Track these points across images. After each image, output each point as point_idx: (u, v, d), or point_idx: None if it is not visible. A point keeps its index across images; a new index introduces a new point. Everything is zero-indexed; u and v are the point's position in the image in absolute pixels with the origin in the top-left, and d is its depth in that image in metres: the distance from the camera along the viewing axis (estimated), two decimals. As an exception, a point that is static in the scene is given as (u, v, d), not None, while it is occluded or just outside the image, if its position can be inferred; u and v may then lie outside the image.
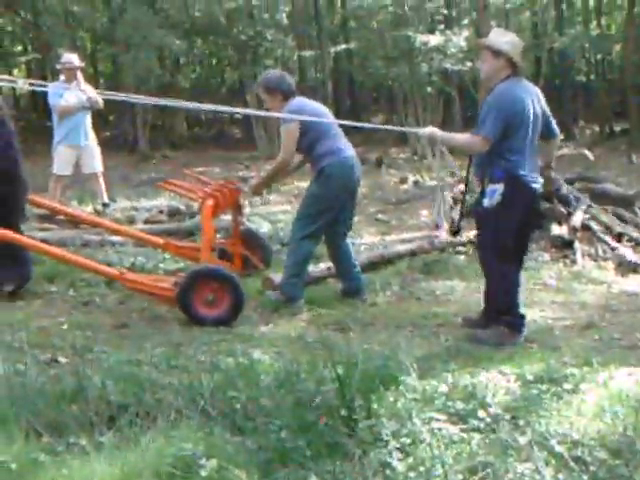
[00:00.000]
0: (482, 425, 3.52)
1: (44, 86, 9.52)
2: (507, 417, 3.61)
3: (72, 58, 9.56)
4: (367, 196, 11.42)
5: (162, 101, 7.80)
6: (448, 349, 5.02)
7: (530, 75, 20.30)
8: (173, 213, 9.50)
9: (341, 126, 6.33)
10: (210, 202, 5.97)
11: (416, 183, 13.06)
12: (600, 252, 7.66)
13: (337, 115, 6.67)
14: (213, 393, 3.77)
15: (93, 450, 3.31)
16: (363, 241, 8.11)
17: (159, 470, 3.15)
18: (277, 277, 6.27)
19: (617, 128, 21.73)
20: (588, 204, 8.63)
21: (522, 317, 5.30)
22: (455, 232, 6.19)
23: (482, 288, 5.63)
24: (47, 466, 3.23)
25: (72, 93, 9.25)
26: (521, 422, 3.58)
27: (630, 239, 8.03)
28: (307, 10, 23.17)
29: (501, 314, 5.27)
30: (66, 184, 10.04)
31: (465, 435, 3.42)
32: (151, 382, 3.94)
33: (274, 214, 9.71)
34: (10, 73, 24.00)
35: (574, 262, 7.47)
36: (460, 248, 7.86)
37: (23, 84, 11.91)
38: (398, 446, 3.27)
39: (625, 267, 7.30)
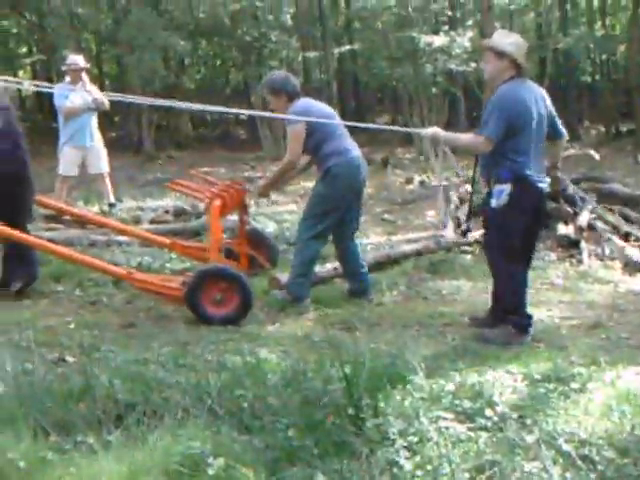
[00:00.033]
0: (489, 424, 3.52)
1: (49, 87, 9.54)
2: (514, 416, 3.60)
3: (77, 59, 9.58)
4: (373, 196, 11.43)
5: (167, 102, 7.81)
6: (455, 348, 5.02)
7: (535, 76, 20.27)
8: (179, 213, 9.51)
9: (346, 126, 6.34)
10: (218, 202, 5.98)
11: (422, 183, 13.06)
12: (607, 252, 7.66)
13: (342, 116, 6.67)
14: (220, 392, 3.77)
15: (101, 449, 3.32)
16: (369, 241, 8.11)
17: (167, 468, 3.15)
18: (283, 277, 6.27)
19: (623, 128, 21.69)
20: (594, 204, 8.63)
21: (529, 317, 5.30)
22: (465, 232, 6.20)
23: (489, 288, 5.63)
24: (55, 464, 3.23)
25: (77, 94, 9.27)
26: (528, 421, 3.57)
27: (637, 239, 8.02)
28: (311, 11, 23.18)
29: (508, 314, 5.26)
30: (72, 185, 10.06)
31: (472, 434, 3.41)
32: (158, 381, 3.94)
33: (280, 214, 9.71)
34: (15, 75, 24.05)
35: (580, 262, 7.47)
36: (466, 248, 7.86)
37: (28, 85, 11.91)
38: (405, 445, 3.27)
39: (632, 267, 7.30)
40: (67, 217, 8.59)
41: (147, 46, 18.26)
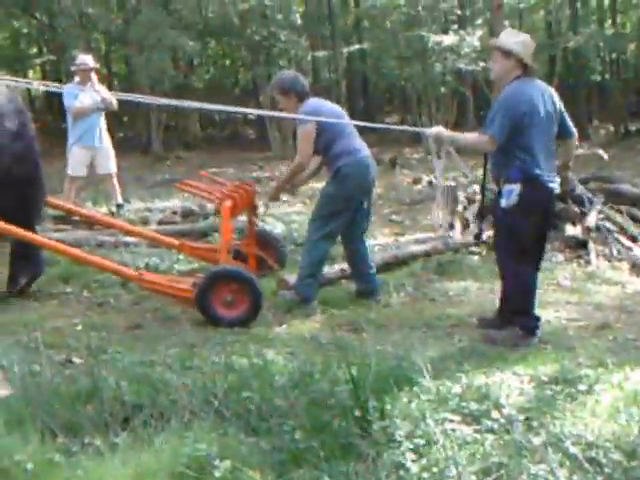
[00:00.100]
0: (496, 426, 3.52)
1: (58, 87, 9.56)
2: (521, 418, 3.60)
3: (87, 59, 9.60)
4: (381, 196, 11.42)
5: (176, 102, 7.82)
6: (462, 350, 5.01)
7: (544, 74, 20.23)
8: (187, 214, 9.52)
9: (355, 126, 6.33)
10: (228, 203, 5.99)
11: (430, 183, 13.01)
12: (614, 252, 7.63)
13: (350, 115, 6.66)
14: (227, 394, 3.78)
15: (108, 451, 3.33)
16: (377, 242, 8.11)
17: (173, 471, 3.16)
18: (292, 278, 6.28)
19: (632, 128, 21.63)
20: (602, 204, 8.60)
21: (537, 319, 5.29)
22: (477, 235, 6.18)
23: (496, 289, 5.62)
24: (62, 466, 3.25)
25: (87, 94, 9.29)
26: (535, 423, 3.57)
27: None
28: (320, 10, 23.18)
29: (516, 315, 5.25)
30: (80, 185, 10.08)
31: (479, 436, 3.41)
32: (165, 383, 3.95)
33: (288, 215, 9.71)
34: (25, 75, 24.14)
35: (588, 262, 7.44)
36: (474, 249, 7.83)
37: (38, 85, 11.95)
38: (412, 447, 3.28)
39: (639, 268, 7.26)
40: (75, 218, 8.61)
41: (156, 46, 18.30)
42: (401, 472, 3.14)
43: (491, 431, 3.48)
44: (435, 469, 3.12)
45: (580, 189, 8.57)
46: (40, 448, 3.35)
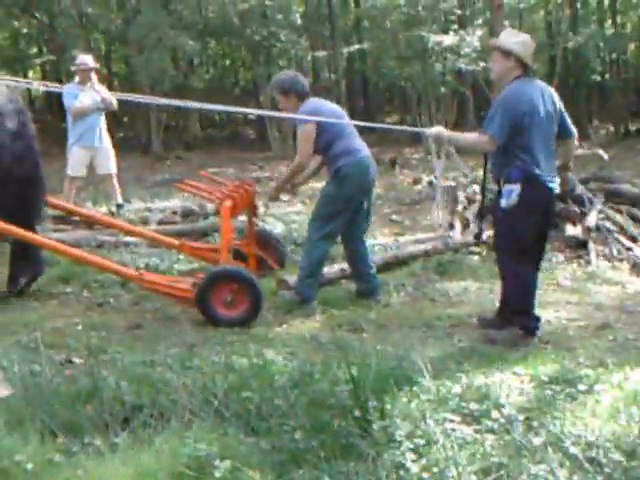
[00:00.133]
0: (496, 426, 3.52)
1: (58, 87, 9.56)
2: (521, 418, 3.60)
3: (87, 59, 9.60)
4: (381, 197, 11.41)
5: (176, 102, 7.82)
6: (462, 350, 5.01)
7: (544, 74, 20.27)
8: (187, 214, 9.51)
9: (355, 126, 6.33)
10: (228, 203, 5.99)
11: (430, 184, 13.00)
12: (615, 252, 7.63)
13: (350, 115, 6.66)
14: (227, 394, 3.78)
15: (108, 451, 3.33)
16: (377, 242, 8.11)
17: (173, 471, 3.16)
18: (291, 279, 6.28)
19: (632, 128, 21.63)
20: (602, 204, 8.60)
21: (537, 319, 5.29)
22: (477, 235, 6.18)
23: (496, 289, 5.62)
24: (62, 466, 3.25)
25: (86, 94, 9.29)
26: (535, 423, 3.57)
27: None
28: (320, 10, 23.17)
29: (516, 315, 5.25)
30: (80, 185, 10.08)
31: (479, 436, 3.42)
32: (165, 383, 3.95)
33: (288, 215, 9.72)
34: (25, 75, 24.16)
35: (588, 262, 7.44)
36: (474, 249, 7.84)
37: (38, 85, 11.96)
38: (412, 447, 3.28)
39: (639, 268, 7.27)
40: (75, 218, 8.61)
41: (156, 46, 18.30)
42: (401, 472, 3.14)
43: (491, 431, 3.49)
44: (435, 469, 3.12)
45: (580, 189, 8.58)
46: (40, 448, 3.35)
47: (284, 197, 8.07)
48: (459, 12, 20.46)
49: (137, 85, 18.84)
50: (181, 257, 7.34)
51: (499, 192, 5.25)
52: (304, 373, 4.12)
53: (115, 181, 9.79)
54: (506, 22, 19.05)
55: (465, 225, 8.80)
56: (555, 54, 20.83)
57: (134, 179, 14.47)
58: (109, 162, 9.69)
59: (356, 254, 6.30)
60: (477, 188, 10.35)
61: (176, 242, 6.90)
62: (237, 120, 26.44)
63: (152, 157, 19.48)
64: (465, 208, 9.58)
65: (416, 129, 6.19)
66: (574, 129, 5.44)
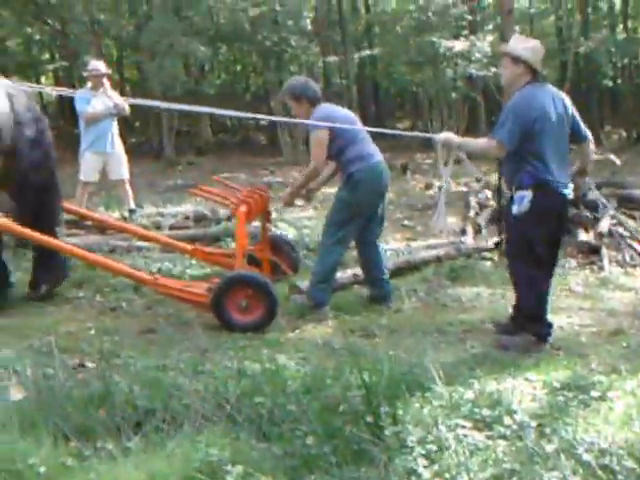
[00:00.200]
0: (508, 432, 3.51)
1: (71, 92, 9.60)
2: (533, 424, 3.59)
3: (99, 65, 9.64)
4: (393, 202, 11.40)
5: (188, 107, 7.84)
6: (474, 356, 5.00)
7: (555, 80, 20.23)
8: (199, 219, 9.53)
9: (366, 131, 6.33)
10: (243, 208, 6.00)
11: (440, 189, 13.00)
12: (627, 258, 7.61)
13: (362, 121, 6.65)
14: (239, 399, 3.78)
15: (120, 455, 3.35)
16: (389, 247, 8.09)
17: (185, 475, 3.18)
18: (304, 284, 6.28)
19: (644, 133, 21.55)
20: (615, 210, 8.58)
21: (549, 325, 5.27)
22: (498, 243, 6.16)
23: (508, 294, 5.60)
24: (75, 470, 3.27)
25: (99, 100, 9.32)
26: (548, 430, 3.56)
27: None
28: (331, 16, 23.21)
29: (529, 322, 5.23)
30: (92, 190, 10.12)
31: (491, 442, 3.41)
32: (177, 387, 3.96)
33: (300, 220, 9.72)
34: (38, 81, 24.28)
35: (601, 268, 7.41)
36: (486, 254, 7.83)
37: (51, 90, 12.01)
38: (424, 453, 3.28)
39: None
40: (88, 223, 8.64)
41: (168, 52, 18.36)
42: (413, 478, 3.14)
43: (503, 437, 3.48)
44: (447, 475, 3.12)
45: (595, 194, 8.53)
46: (53, 452, 3.37)
47: (299, 202, 8.07)
48: (470, 18, 20.47)
49: (149, 91, 18.90)
50: (193, 262, 7.36)
51: (511, 198, 5.23)
52: (316, 378, 4.12)
53: (127, 186, 9.81)
54: (516, 27, 19.01)
55: (477, 230, 8.79)
56: (566, 59, 20.81)
57: (146, 184, 14.50)
58: (121, 167, 9.72)
59: (370, 260, 6.30)
60: (489, 193, 10.35)
61: (189, 247, 6.92)
62: (248, 125, 26.50)
63: (164, 162, 19.53)
64: (477, 214, 9.57)
65: (426, 135, 6.17)
66: (588, 133, 5.40)
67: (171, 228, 9.05)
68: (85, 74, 9.94)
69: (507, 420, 3.60)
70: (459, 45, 18.26)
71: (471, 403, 3.80)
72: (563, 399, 3.98)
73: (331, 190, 7.01)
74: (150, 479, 3.15)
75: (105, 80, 9.50)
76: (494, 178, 10.24)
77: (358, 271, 6.63)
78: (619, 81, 25.05)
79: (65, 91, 9.38)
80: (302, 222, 9.54)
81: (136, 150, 17.98)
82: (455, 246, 7.85)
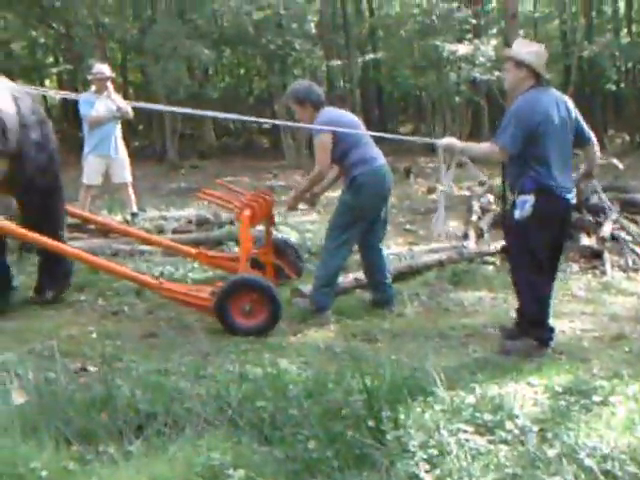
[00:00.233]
0: (510, 437, 3.51)
1: (75, 96, 9.63)
2: (535, 429, 3.59)
3: (103, 68, 9.66)
4: (395, 206, 11.39)
5: (191, 111, 7.86)
6: (476, 360, 5.00)
7: (559, 84, 20.22)
8: (202, 223, 9.54)
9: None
10: (247, 212, 6.01)
11: (442, 193, 12.97)
12: (630, 263, 7.60)
13: (365, 125, 6.65)
14: (241, 403, 3.79)
15: (122, 459, 3.35)
16: (391, 251, 8.10)
17: (187, 479, 3.17)
18: (306, 288, 6.28)
19: (647, 137, 21.53)
20: (617, 214, 8.57)
21: (551, 330, 5.26)
22: (505, 249, 6.15)
23: (511, 299, 5.59)
24: (76, 474, 3.28)
25: (102, 103, 9.34)
26: (549, 434, 3.56)
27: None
28: (335, 20, 23.23)
29: (531, 326, 5.22)
30: (95, 194, 10.14)
31: (493, 447, 3.41)
32: (179, 391, 3.97)
33: (302, 224, 9.73)
34: (42, 84, 24.34)
35: (603, 273, 7.40)
36: (488, 258, 7.82)
37: (54, 93, 12.05)
38: (425, 457, 3.27)
39: (656, 278, 7.23)
40: (91, 226, 8.65)
41: (172, 55, 18.39)
42: (415, 482, 3.14)
43: (505, 442, 3.48)
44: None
45: (600, 198, 8.50)
46: (55, 456, 3.37)
47: (302, 207, 8.08)
48: (474, 21, 20.47)
49: (152, 94, 18.95)
50: (195, 266, 7.36)
51: (513, 203, 5.22)
52: (318, 383, 4.12)
53: (130, 190, 9.83)
54: (521, 31, 19.07)
55: (479, 235, 8.79)
56: (570, 63, 20.82)
57: (149, 188, 14.52)
58: (124, 171, 9.74)
59: (373, 263, 6.30)
60: (492, 198, 10.35)
61: (193, 251, 6.92)
62: (252, 129, 26.52)
63: (167, 166, 19.55)
64: (479, 218, 9.57)
65: (428, 140, 6.18)
66: (592, 135, 5.38)
67: (174, 232, 9.06)
68: (89, 77, 9.97)
69: (509, 425, 3.60)
70: (463, 49, 18.27)
71: (473, 408, 3.80)
72: (565, 404, 3.97)
73: (334, 194, 7.01)
74: (151, 483, 3.16)
75: (109, 83, 9.52)
76: (497, 182, 10.25)
77: (360, 275, 6.63)
78: (623, 85, 25.02)
79: (69, 95, 9.41)
80: (305, 226, 9.54)
81: (139, 153, 18.01)
82: (457, 250, 7.85)
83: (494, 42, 18.97)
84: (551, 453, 3.30)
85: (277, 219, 7.33)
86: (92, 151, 9.51)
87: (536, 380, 4.44)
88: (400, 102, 29.37)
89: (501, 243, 7.59)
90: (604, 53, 20.58)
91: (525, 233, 5.09)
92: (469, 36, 19.85)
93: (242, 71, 27.34)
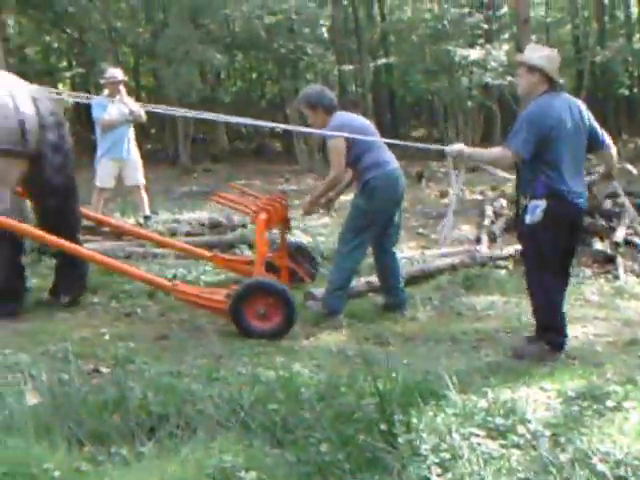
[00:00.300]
0: (522, 441, 3.50)
1: (87, 99, 9.67)
2: (547, 434, 3.58)
3: (116, 72, 9.69)
4: (408, 210, 11.38)
5: (203, 114, 7.88)
6: (488, 364, 4.98)
7: (572, 89, 20.18)
8: (214, 226, 9.56)
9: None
10: (263, 216, 6.02)
11: (456, 197, 12.96)
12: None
13: (377, 129, 6.65)
14: (253, 405, 3.78)
15: (134, 460, 3.36)
16: (403, 255, 8.09)
17: (199, 481, 3.18)
18: (318, 291, 6.29)
19: (661, 142, 21.43)
20: (631, 219, 8.54)
21: (565, 335, 5.23)
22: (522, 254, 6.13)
23: (524, 303, 5.57)
24: (89, 475, 3.28)
25: (115, 107, 9.37)
26: (562, 439, 3.54)
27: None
28: (347, 24, 23.25)
29: (544, 330, 5.21)
30: (108, 196, 10.18)
31: (505, 451, 3.39)
32: (191, 394, 3.97)
33: (315, 227, 9.73)
34: (56, 88, 24.41)
35: (616, 277, 7.39)
36: (501, 262, 7.81)
37: (68, 97, 12.10)
38: (437, 461, 3.26)
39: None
40: (105, 229, 8.68)
41: (184, 59, 18.45)
42: (427, 486, 3.13)
43: (517, 446, 3.46)
44: (461, 483, 3.11)
45: (616, 202, 8.46)
46: (67, 457, 3.38)
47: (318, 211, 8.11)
48: (485, 26, 20.45)
49: (165, 98, 18.99)
50: (208, 268, 7.38)
51: (525, 207, 5.20)
52: (330, 386, 4.12)
53: (143, 192, 9.86)
54: (533, 36, 18.99)
55: (492, 239, 8.78)
56: (583, 68, 20.77)
57: (162, 191, 14.55)
58: (137, 173, 9.77)
59: (387, 267, 6.30)
60: (504, 202, 10.33)
61: (208, 254, 6.94)
62: (264, 133, 26.55)
63: (180, 169, 19.61)
64: (492, 222, 9.56)
65: (438, 147, 6.16)
66: (607, 138, 5.34)
67: (186, 235, 9.07)
68: (102, 81, 10.01)
69: (521, 429, 3.59)
70: (475, 54, 18.26)
71: (485, 412, 3.79)
72: (578, 409, 3.96)
73: (347, 198, 7.01)
74: (164, 484, 3.16)
75: (122, 87, 9.55)
76: (509, 186, 10.23)
77: (372, 279, 6.63)
78: (635, 90, 24.95)
79: (82, 98, 9.45)
80: (317, 230, 9.55)
81: (152, 157, 18.05)
82: (470, 254, 7.84)
83: (506, 47, 18.94)
84: (563, 458, 3.28)
85: (292, 223, 7.34)
86: (105, 154, 9.55)
87: (549, 385, 4.42)
88: (412, 107, 29.33)
89: (514, 247, 7.58)
90: (616, 58, 20.54)
91: (536, 238, 5.08)
92: (481, 41, 19.83)
93: (254, 75, 27.39)
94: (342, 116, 6.22)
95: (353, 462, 3.28)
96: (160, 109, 8.22)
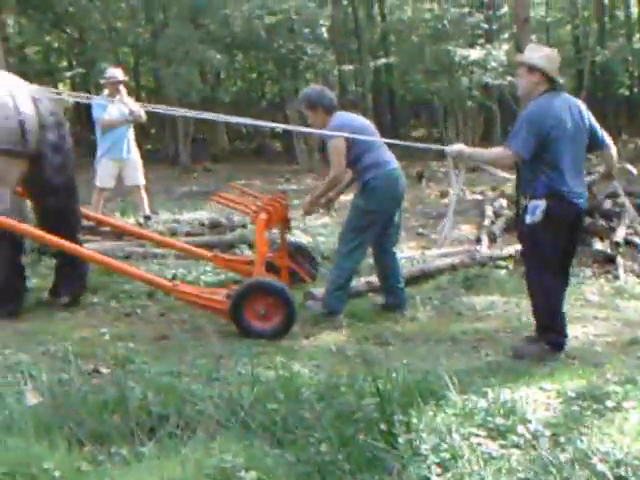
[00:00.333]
0: (522, 441, 3.50)
1: (87, 99, 9.67)
2: (547, 434, 3.57)
3: (116, 72, 9.69)
4: (408, 210, 11.38)
5: (203, 115, 7.88)
6: (488, 364, 4.99)
7: (572, 89, 20.18)
8: (214, 226, 9.56)
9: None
10: (263, 216, 6.02)
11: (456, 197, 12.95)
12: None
13: (377, 129, 6.64)
14: (253, 405, 3.78)
15: (134, 460, 3.36)
16: (404, 255, 8.09)
17: (199, 481, 3.18)
18: (318, 291, 6.29)
19: (661, 142, 21.43)
20: (630, 219, 8.54)
21: (565, 335, 5.23)
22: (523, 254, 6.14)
23: (524, 303, 5.58)
24: (89, 475, 3.28)
25: (115, 107, 9.37)
26: (562, 439, 3.54)
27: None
28: (347, 24, 23.25)
29: (543, 330, 5.21)
30: (108, 196, 10.17)
31: (505, 451, 3.39)
32: (191, 394, 3.96)
33: (315, 227, 9.73)
34: (56, 88, 24.43)
35: (616, 278, 7.39)
36: (501, 262, 7.81)
37: (68, 97, 12.09)
38: (437, 461, 3.26)
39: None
40: (105, 229, 8.67)
41: (184, 59, 18.46)
42: (426, 486, 3.13)
43: (517, 446, 3.46)
44: (461, 483, 3.11)
45: (615, 202, 8.46)
46: (68, 456, 3.38)
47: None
48: (485, 26, 20.46)
49: (165, 98, 19.00)
50: (207, 269, 7.38)
51: (525, 208, 5.20)
52: (330, 386, 4.11)
53: (143, 192, 9.86)
54: (533, 36, 18.99)
55: (492, 239, 8.78)
56: (583, 68, 20.78)
57: (162, 191, 14.56)
58: (137, 173, 9.77)
59: (387, 267, 6.30)
60: (504, 202, 10.33)
61: (208, 254, 6.94)
62: (264, 133, 26.57)
63: (180, 169, 19.62)
64: (492, 222, 9.56)
65: (438, 147, 6.17)
66: (607, 138, 5.34)
67: (186, 235, 9.07)
68: (102, 81, 10.01)
69: (521, 429, 3.58)
70: (475, 54, 18.27)
71: (485, 412, 3.79)
72: (578, 409, 3.96)
73: (347, 198, 7.01)
74: (164, 484, 3.16)
75: (121, 87, 9.55)
76: (509, 186, 10.23)
77: (372, 278, 6.63)
78: (635, 90, 24.95)
79: (82, 98, 9.45)
80: (317, 230, 9.54)
81: (152, 157, 18.05)
82: (470, 254, 7.84)
83: (506, 47, 18.95)
84: (563, 458, 3.28)
85: (292, 223, 7.34)
86: (105, 154, 9.55)
87: (549, 385, 4.42)
88: (412, 107, 29.34)
89: (514, 247, 7.58)
90: (616, 58, 20.54)
91: (536, 238, 5.08)
92: (481, 41, 19.84)
93: (254, 75, 27.39)
94: (342, 116, 6.22)
95: (353, 462, 3.28)
96: (160, 109, 8.22)
